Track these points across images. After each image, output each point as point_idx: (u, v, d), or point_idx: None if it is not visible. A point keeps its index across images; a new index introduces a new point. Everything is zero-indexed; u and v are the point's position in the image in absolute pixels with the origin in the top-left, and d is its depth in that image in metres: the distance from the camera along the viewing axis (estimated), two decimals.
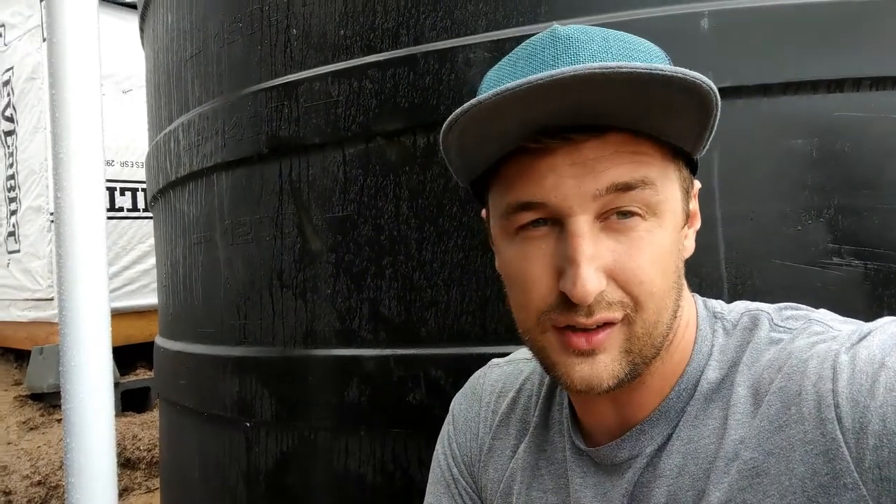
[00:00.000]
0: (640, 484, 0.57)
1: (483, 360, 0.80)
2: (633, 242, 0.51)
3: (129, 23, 4.09)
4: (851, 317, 0.56)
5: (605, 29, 0.54)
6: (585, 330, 0.51)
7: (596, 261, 0.50)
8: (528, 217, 0.53)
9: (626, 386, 0.54)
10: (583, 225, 0.50)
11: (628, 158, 0.50)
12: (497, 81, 0.54)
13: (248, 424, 1.22)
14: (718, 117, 0.48)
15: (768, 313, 0.57)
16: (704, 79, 0.45)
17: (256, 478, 1.22)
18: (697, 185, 0.59)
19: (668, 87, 0.45)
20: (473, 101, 0.47)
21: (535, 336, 0.55)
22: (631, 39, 0.54)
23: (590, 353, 0.52)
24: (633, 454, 0.57)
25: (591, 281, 0.49)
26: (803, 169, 0.89)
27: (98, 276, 0.91)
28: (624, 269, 0.50)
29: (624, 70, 0.44)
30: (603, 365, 0.52)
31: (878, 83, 0.87)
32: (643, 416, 0.57)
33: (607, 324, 0.51)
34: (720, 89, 0.88)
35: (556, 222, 0.52)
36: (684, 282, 0.57)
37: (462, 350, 0.99)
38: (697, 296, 0.62)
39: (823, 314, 0.56)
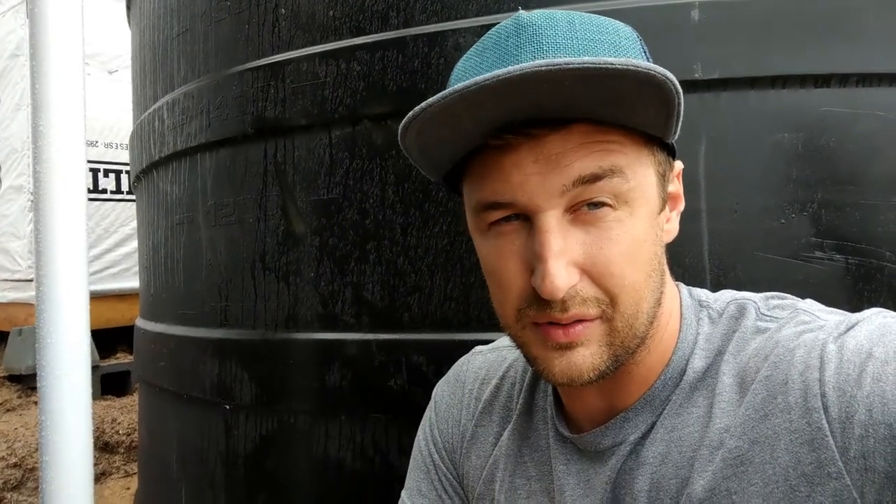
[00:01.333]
0: (623, 471, 0.56)
1: (465, 346, 0.80)
2: (602, 233, 0.50)
3: (116, 2, 4.03)
4: None
5: (572, 12, 0.53)
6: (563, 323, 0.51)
7: (565, 255, 0.49)
8: (497, 215, 0.52)
9: (610, 376, 0.54)
10: (550, 220, 0.49)
11: (594, 148, 0.49)
12: (463, 73, 0.54)
13: (227, 407, 1.21)
14: (682, 104, 0.47)
15: (755, 302, 0.57)
16: (659, 69, 0.44)
17: (235, 461, 1.21)
18: (679, 166, 0.59)
19: (623, 79, 0.44)
20: (423, 104, 0.47)
21: (516, 332, 0.54)
22: (599, 23, 0.52)
23: (568, 346, 0.51)
24: (616, 441, 0.57)
25: (559, 276, 0.48)
26: (788, 163, 0.89)
27: (76, 247, 0.90)
28: (595, 262, 0.50)
29: (573, 66, 0.43)
30: (582, 357, 0.51)
31: (865, 79, 0.88)
32: (628, 405, 0.57)
33: (584, 319, 0.51)
34: (709, 81, 0.90)
35: (527, 217, 0.51)
36: (666, 268, 0.57)
37: (445, 336, 0.98)
38: (682, 285, 0.61)
39: (810, 304, 0.56)
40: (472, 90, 0.44)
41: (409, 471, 0.75)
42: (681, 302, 0.59)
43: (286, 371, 1.12)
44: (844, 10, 0.88)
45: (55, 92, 0.89)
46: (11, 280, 4.18)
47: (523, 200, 0.50)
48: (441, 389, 0.76)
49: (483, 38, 0.55)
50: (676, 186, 0.58)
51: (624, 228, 0.50)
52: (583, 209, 0.50)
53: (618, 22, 0.54)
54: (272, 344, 1.15)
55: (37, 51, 0.90)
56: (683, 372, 0.56)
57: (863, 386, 0.45)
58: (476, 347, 0.77)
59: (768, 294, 0.58)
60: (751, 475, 0.49)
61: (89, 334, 0.94)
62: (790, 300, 0.57)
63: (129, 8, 1.77)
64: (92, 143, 4.15)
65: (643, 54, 0.54)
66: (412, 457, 0.76)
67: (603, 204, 0.50)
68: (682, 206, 0.60)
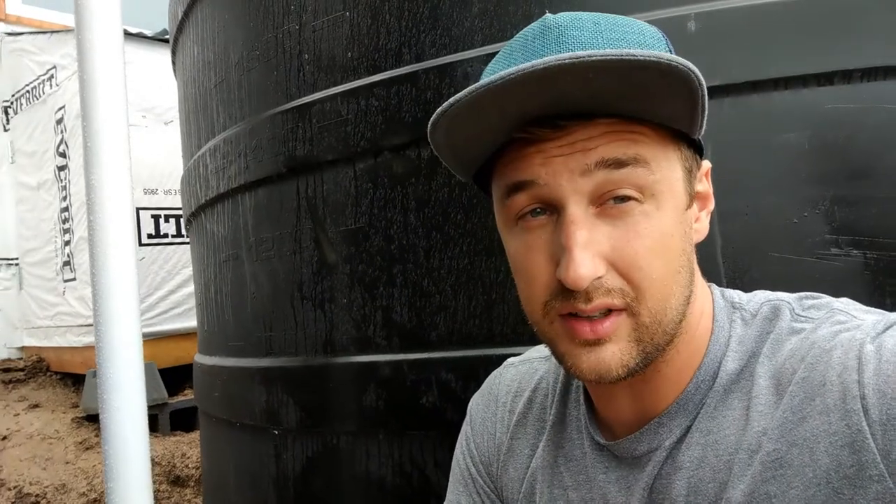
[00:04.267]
0: (660, 476, 0.56)
1: (490, 361, 0.82)
2: (629, 227, 0.50)
3: (165, 57, 4.29)
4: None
5: (599, 14, 0.53)
6: (590, 319, 0.51)
7: (591, 247, 0.50)
8: (522, 200, 0.53)
9: (640, 375, 0.54)
10: (576, 211, 0.50)
11: (619, 137, 0.50)
12: (491, 73, 0.54)
13: (275, 432, 1.28)
14: (706, 97, 0.48)
15: (789, 303, 0.56)
16: (682, 61, 0.44)
17: (285, 483, 1.27)
18: (706, 165, 0.59)
19: (646, 70, 0.45)
20: (450, 100, 0.48)
21: (544, 327, 0.55)
22: (625, 23, 0.53)
23: (596, 343, 0.52)
24: (652, 447, 0.57)
25: (583, 266, 0.49)
26: (798, 162, 0.90)
27: (128, 289, 0.99)
28: (622, 255, 0.50)
29: (596, 58, 0.44)
30: (611, 354, 0.52)
31: (869, 74, 0.88)
32: (661, 408, 0.57)
33: (612, 312, 0.51)
34: (710, 88, 0.91)
35: (554, 211, 0.52)
36: (696, 267, 0.57)
37: (470, 352, 1.02)
38: (714, 286, 0.61)
39: (846, 303, 0.55)
40: (498, 84, 0.46)
41: (449, 484, 0.76)
42: (713, 303, 0.59)
43: (327, 394, 1.18)
44: (841, 8, 0.89)
45: (104, 149, 0.99)
46: (86, 325, 4.44)
47: (546, 179, 0.51)
48: (476, 403, 0.77)
49: (511, 41, 0.56)
50: (705, 186, 0.59)
51: (651, 222, 0.51)
52: (609, 203, 0.51)
53: (643, 22, 0.55)
54: (313, 369, 1.21)
55: (87, 112, 1.01)
56: (716, 374, 0.56)
57: None
58: (508, 360, 0.78)
59: (802, 294, 0.57)
60: (790, 478, 0.48)
61: (143, 368, 1.02)
62: (825, 300, 0.56)
63: (174, 63, 1.90)
64: (152, 191, 4.40)
65: (669, 52, 0.54)
66: (451, 470, 0.77)
67: (629, 198, 0.50)
68: (711, 205, 0.60)
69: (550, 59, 0.44)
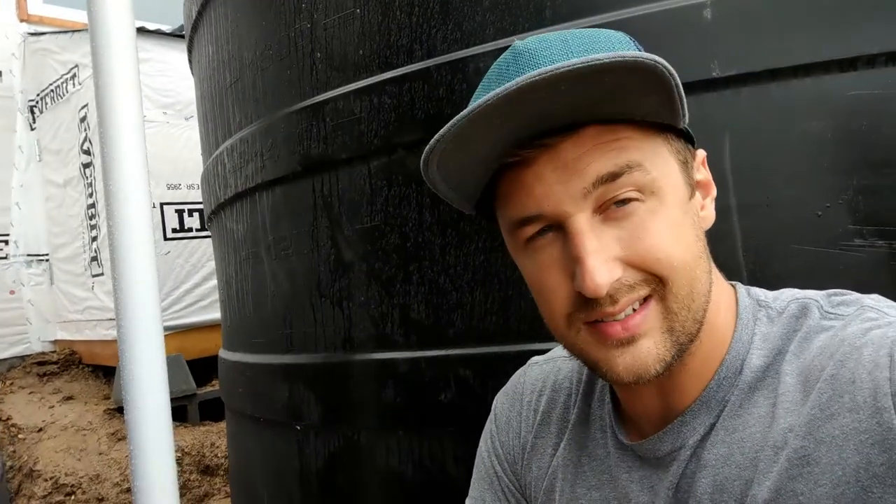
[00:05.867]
0: (685, 475, 0.56)
1: (507, 357, 0.82)
2: (636, 226, 0.51)
3: (181, 53, 4.32)
4: None
5: (566, 31, 0.55)
6: (620, 318, 0.52)
7: (602, 253, 0.50)
8: (530, 230, 0.54)
9: (675, 366, 0.54)
10: (581, 223, 0.51)
11: (608, 147, 0.51)
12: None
13: (298, 427, 1.29)
14: (681, 87, 0.48)
15: (817, 301, 0.56)
16: (647, 55, 0.45)
17: (308, 478, 1.28)
18: (701, 153, 0.59)
19: (614, 72, 0.46)
20: (436, 136, 0.50)
21: (571, 339, 0.56)
22: (591, 35, 0.55)
23: (629, 341, 0.52)
24: (675, 446, 0.57)
25: (598, 273, 0.50)
26: (819, 152, 0.88)
27: (149, 286, 1.00)
28: (636, 252, 0.51)
29: (564, 69, 0.45)
30: (646, 350, 0.52)
31: (894, 59, 0.85)
32: (685, 405, 0.57)
33: (640, 305, 0.52)
34: (727, 78, 0.90)
35: (560, 227, 0.53)
36: (710, 258, 0.57)
37: (488, 349, 1.02)
38: (739, 284, 0.61)
39: (877, 300, 0.55)
40: (477, 112, 0.47)
41: (472, 481, 0.77)
42: (737, 300, 0.59)
43: (347, 391, 1.19)
44: None
45: (122, 153, 1.00)
46: (115, 319, 4.52)
47: (550, 209, 0.52)
48: (500, 401, 0.77)
49: (487, 73, 0.58)
50: (704, 174, 0.59)
51: (657, 218, 0.52)
52: (611, 208, 0.52)
53: (611, 30, 0.56)
54: (332, 366, 1.22)
55: (103, 118, 1.02)
56: (740, 371, 0.56)
57: None
58: (532, 358, 0.78)
59: (831, 291, 0.57)
60: (818, 476, 0.48)
61: (165, 365, 1.04)
62: (855, 296, 0.56)
63: (190, 62, 1.92)
64: (175, 186, 4.45)
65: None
66: (475, 466, 0.77)
67: (630, 199, 0.51)
68: (714, 192, 0.60)
69: (521, 78, 0.46)
